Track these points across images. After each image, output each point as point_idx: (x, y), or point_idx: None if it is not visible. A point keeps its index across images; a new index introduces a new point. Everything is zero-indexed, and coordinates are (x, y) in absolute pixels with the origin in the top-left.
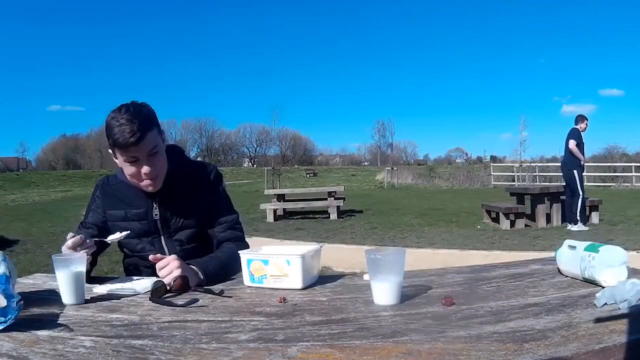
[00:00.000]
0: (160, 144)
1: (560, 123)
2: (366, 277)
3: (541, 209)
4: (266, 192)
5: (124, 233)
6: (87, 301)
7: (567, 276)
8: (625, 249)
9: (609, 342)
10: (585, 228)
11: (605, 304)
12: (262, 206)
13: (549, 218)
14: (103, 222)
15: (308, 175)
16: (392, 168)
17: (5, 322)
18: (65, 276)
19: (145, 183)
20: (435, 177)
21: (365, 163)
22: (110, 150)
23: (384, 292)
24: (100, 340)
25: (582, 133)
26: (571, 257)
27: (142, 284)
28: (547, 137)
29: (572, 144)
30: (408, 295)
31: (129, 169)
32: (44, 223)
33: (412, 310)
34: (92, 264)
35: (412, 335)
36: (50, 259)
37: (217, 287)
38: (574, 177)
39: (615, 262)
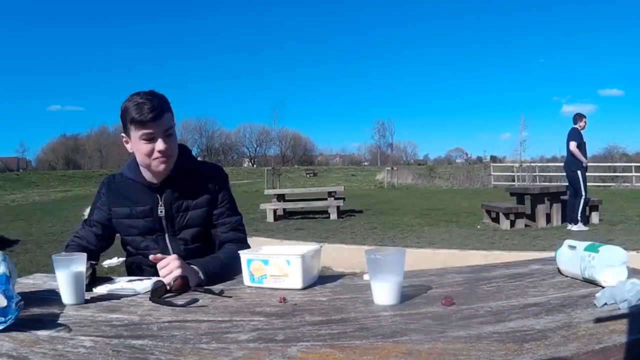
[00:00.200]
0: (174, 128)
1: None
2: (366, 277)
3: (541, 209)
4: (266, 192)
5: (121, 259)
6: (87, 301)
7: (567, 276)
8: (625, 249)
9: (609, 342)
10: (585, 228)
11: (605, 304)
12: (262, 206)
13: (549, 218)
14: (108, 220)
15: (308, 175)
16: (392, 168)
17: (5, 322)
18: (65, 276)
19: (157, 162)
20: (435, 177)
21: (365, 163)
22: (123, 135)
23: (384, 292)
24: (100, 340)
25: (582, 132)
26: (571, 257)
27: (142, 284)
28: (547, 137)
29: (573, 145)
30: (408, 295)
31: (144, 147)
32: (44, 223)
33: (412, 310)
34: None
35: (412, 335)
36: (50, 259)
37: (217, 287)
38: (577, 177)
39: (615, 262)
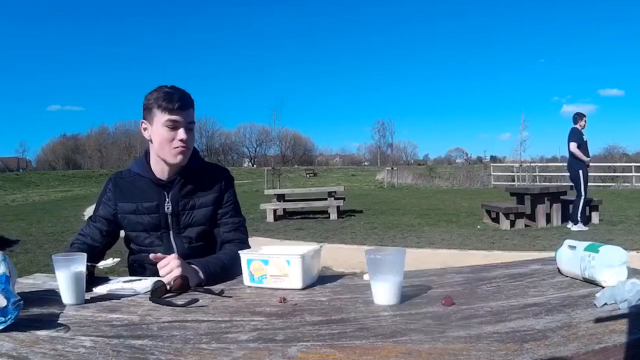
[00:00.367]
0: (194, 125)
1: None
2: (366, 277)
3: (541, 209)
4: (266, 192)
5: (116, 260)
6: (87, 301)
7: (567, 276)
8: (625, 249)
9: (609, 342)
10: (585, 228)
11: (605, 304)
12: (262, 206)
13: (549, 218)
14: (113, 216)
15: (308, 175)
16: (392, 168)
17: (5, 322)
18: (65, 276)
19: (176, 151)
20: (435, 177)
21: (365, 163)
22: (143, 121)
23: (384, 292)
24: (100, 340)
25: (582, 131)
26: (571, 257)
27: (142, 284)
28: (547, 137)
29: (573, 146)
30: (408, 295)
31: (166, 134)
32: (44, 223)
33: (412, 310)
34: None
35: (412, 335)
36: (50, 259)
37: (217, 287)
38: (579, 177)
39: (615, 262)
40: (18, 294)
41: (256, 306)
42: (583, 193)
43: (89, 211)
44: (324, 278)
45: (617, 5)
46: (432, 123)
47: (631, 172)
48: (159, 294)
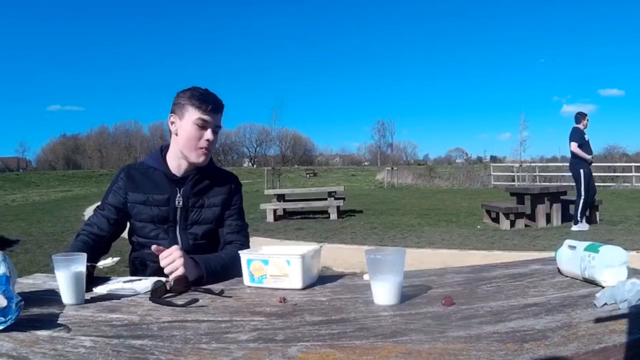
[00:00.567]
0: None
1: (560, 123)
2: (366, 277)
3: (541, 209)
4: (266, 192)
5: (115, 259)
6: (87, 301)
7: (567, 276)
8: (625, 249)
9: (609, 342)
10: (586, 228)
11: (605, 304)
12: (262, 206)
13: (549, 218)
14: (123, 204)
15: (308, 175)
16: (392, 168)
17: (5, 322)
18: (65, 276)
19: (200, 151)
20: (435, 177)
21: (365, 163)
22: (172, 115)
23: (384, 292)
24: (100, 340)
25: (584, 130)
26: (571, 257)
27: (142, 284)
28: (547, 137)
29: (574, 146)
30: (408, 295)
31: (194, 132)
32: (44, 223)
33: (412, 310)
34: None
35: (412, 335)
36: (50, 259)
37: (217, 287)
38: (580, 177)
39: (615, 262)
40: (18, 294)
41: (256, 306)
42: (583, 193)
43: (89, 211)
44: (324, 278)
45: (617, 5)
46: (432, 123)
47: (631, 172)
48: (159, 294)
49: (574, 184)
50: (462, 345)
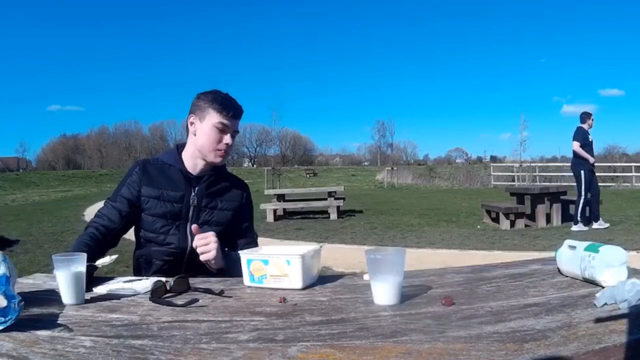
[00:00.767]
0: None
1: (560, 123)
2: (366, 277)
3: (541, 209)
4: (266, 192)
5: (113, 257)
6: (87, 301)
7: (567, 276)
8: (625, 249)
9: (609, 342)
10: (585, 228)
11: (605, 304)
12: (262, 206)
13: (549, 218)
14: (136, 198)
15: (308, 175)
16: (392, 168)
17: (5, 322)
18: (65, 276)
19: (218, 153)
20: (435, 177)
21: (365, 163)
22: (192, 116)
23: (384, 292)
24: (100, 340)
25: (589, 131)
26: (571, 257)
27: (142, 284)
28: (547, 137)
29: (576, 145)
30: (408, 295)
31: (213, 135)
32: (44, 223)
33: (412, 310)
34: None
35: (412, 335)
36: (50, 259)
37: (217, 287)
38: (581, 177)
39: (615, 262)
40: (18, 294)
41: (256, 306)
42: (583, 193)
43: (89, 211)
44: (324, 278)
45: (617, 5)
46: (432, 123)
47: (631, 172)
48: (159, 294)
49: (574, 184)
50: (462, 345)
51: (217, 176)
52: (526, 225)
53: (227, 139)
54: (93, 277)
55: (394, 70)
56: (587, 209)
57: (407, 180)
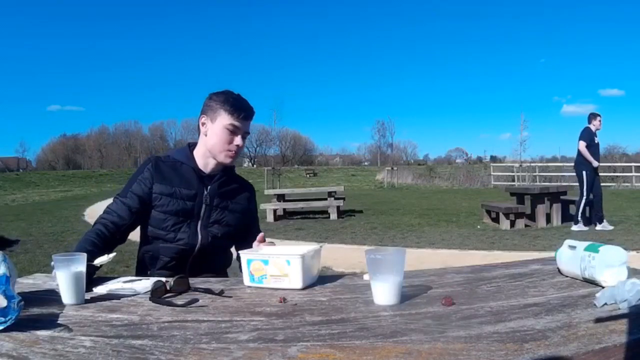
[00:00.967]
0: None
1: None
2: (366, 277)
3: (541, 209)
4: (266, 192)
5: (111, 255)
6: (87, 301)
7: (567, 276)
8: (625, 249)
9: (609, 342)
10: (586, 228)
11: (605, 304)
12: (262, 206)
13: (549, 218)
14: (147, 195)
15: (308, 175)
16: (392, 168)
17: (5, 322)
18: (65, 276)
19: (229, 154)
20: (435, 177)
21: (365, 163)
22: (204, 116)
23: (384, 292)
24: (100, 340)
25: (596, 131)
26: (571, 257)
27: (142, 284)
28: (547, 137)
29: (582, 145)
30: (408, 295)
31: (225, 136)
32: (44, 223)
33: (412, 310)
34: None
35: (412, 335)
36: (50, 259)
37: (217, 287)
38: (582, 177)
39: (615, 262)
40: (18, 294)
41: (256, 306)
42: (585, 194)
43: (89, 211)
44: (324, 278)
45: (617, 5)
46: (432, 123)
47: (631, 172)
48: (159, 294)
49: (574, 183)
50: (462, 345)
51: (228, 177)
52: (526, 225)
53: (237, 140)
54: (93, 278)
55: (394, 70)
56: (588, 209)
57: (407, 180)
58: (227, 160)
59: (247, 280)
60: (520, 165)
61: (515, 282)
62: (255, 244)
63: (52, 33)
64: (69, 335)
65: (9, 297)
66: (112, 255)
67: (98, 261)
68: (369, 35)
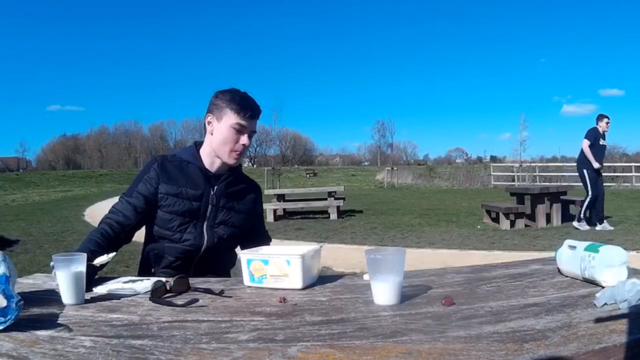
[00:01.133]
0: None
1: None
2: (366, 277)
3: (541, 209)
4: (266, 192)
5: (111, 255)
6: (87, 301)
7: (567, 276)
8: (625, 249)
9: (609, 342)
10: (588, 227)
11: (605, 304)
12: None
13: (549, 218)
14: (152, 195)
15: (308, 175)
16: (392, 168)
17: (5, 322)
18: (65, 276)
19: (234, 154)
20: (435, 177)
21: (365, 163)
22: (210, 115)
23: (384, 292)
24: (100, 340)
25: (603, 133)
26: (571, 257)
27: (142, 284)
28: (547, 137)
29: (585, 144)
30: (408, 295)
31: (231, 136)
32: (44, 223)
33: (412, 310)
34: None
35: (412, 335)
36: (50, 259)
37: (217, 287)
38: (584, 176)
39: (615, 262)
40: (18, 294)
41: (256, 306)
42: (590, 192)
43: (89, 211)
44: (324, 278)
45: (617, 5)
46: (432, 123)
47: (631, 172)
48: (159, 294)
49: (574, 183)
50: (462, 345)
51: (235, 176)
52: (526, 225)
53: (244, 139)
54: (93, 278)
55: (394, 70)
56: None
57: (407, 180)
58: (232, 162)
59: (247, 280)
60: (520, 165)
61: (515, 282)
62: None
63: (52, 33)
64: (69, 335)
65: (8, 297)
66: (111, 255)
67: (98, 261)
68: (369, 35)
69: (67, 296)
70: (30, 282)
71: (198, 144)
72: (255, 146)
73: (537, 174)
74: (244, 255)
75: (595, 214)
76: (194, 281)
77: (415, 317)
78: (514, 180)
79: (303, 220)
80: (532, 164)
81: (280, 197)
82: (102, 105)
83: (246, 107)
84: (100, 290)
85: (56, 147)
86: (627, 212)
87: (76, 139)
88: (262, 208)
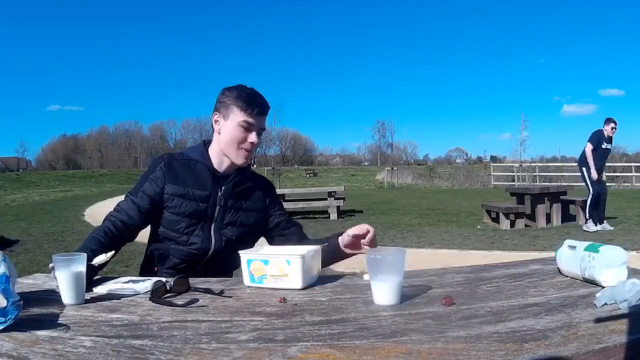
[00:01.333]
0: None
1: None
2: (366, 277)
3: (541, 209)
4: None
5: (109, 254)
6: (87, 301)
7: (567, 276)
8: (625, 249)
9: (609, 342)
10: (595, 228)
11: (605, 304)
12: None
13: (549, 218)
14: (158, 195)
15: (308, 175)
16: (392, 168)
17: (5, 322)
18: (65, 276)
19: (242, 152)
20: (435, 177)
21: (365, 163)
22: (216, 113)
23: (384, 292)
24: (100, 340)
25: (608, 136)
26: (571, 257)
27: (142, 284)
28: (547, 137)
29: (588, 148)
30: (408, 295)
31: (238, 133)
32: (44, 223)
33: (412, 310)
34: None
35: (412, 335)
36: (50, 259)
37: (217, 287)
38: (584, 175)
39: (615, 262)
40: (18, 294)
41: (256, 306)
42: (591, 190)
43: (89, 211)
44: (324, 278)
45: (617, 5)
46: (432, 123)
47: (631, 172)
48: (159, 294)
49: (574, 183)
50: (462, 345)
51: (243, 176)
52: (526, 225)
53: (252, 137)
54: (93, 278)
55: (394, 70)
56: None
57: (407, 180)
58: (241, 161)
59: (247, 280)
60: (520, 165)
61: (515, 282)
62: (364, 243)
63: (52, 33)
64: (69, 335)
65: (8, 297)
66: (109, 254)
67: (96, 261)
68: (369, 35)
69: (67, 296)
70: (30, 282)
71: (207, 143)
72: None
73: (537, 174)
74: (244, 255)
75: (596, 214)
76: (194, 281)
77: (415, 317)
78: (514, 180)
79: (303, 220)
80: (532, 164)
81: (280, 197)
82: (102, 105)
83: (253, 103)
84: (100, 290)
85: (56, 147)
86: (627, 212)
87: (76, 139)
88: (278, 202)
